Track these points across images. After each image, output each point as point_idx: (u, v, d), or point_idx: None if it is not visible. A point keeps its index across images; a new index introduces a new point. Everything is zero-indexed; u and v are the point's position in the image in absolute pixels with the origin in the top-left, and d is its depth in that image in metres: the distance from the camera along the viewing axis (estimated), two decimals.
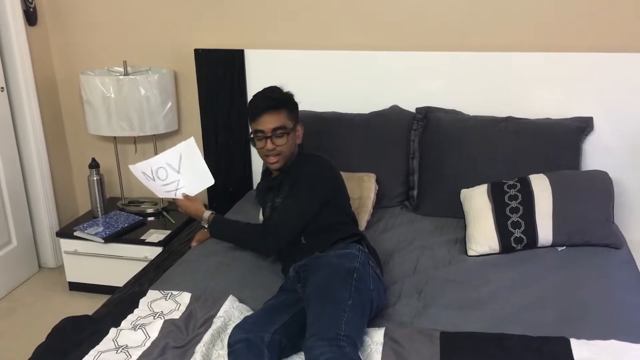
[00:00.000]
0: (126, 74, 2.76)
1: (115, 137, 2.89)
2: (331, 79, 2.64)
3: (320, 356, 1.50)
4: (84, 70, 2.81)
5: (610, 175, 2.26)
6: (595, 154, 2.43)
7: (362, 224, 2.36)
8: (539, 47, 2.44)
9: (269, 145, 1.97)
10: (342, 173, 2.17)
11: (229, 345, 1.61)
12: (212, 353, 1.63)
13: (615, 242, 2.13)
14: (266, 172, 2.21)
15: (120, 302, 1.90)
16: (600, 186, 2.23)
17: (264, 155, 2.02)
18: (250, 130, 2.03)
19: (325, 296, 1.69)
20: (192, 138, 2.14)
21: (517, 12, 2.44)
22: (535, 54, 2.42)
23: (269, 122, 1.96)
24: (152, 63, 2.89)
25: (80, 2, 2.90)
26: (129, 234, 2.73)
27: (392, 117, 2.55)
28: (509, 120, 2.42)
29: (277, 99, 1.99)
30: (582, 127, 2.39)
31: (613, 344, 1.57)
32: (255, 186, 2.82)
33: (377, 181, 2.47)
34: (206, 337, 1.66)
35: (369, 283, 1.76)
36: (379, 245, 2.20)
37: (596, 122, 2.41)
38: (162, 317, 1.76)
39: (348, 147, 2.51)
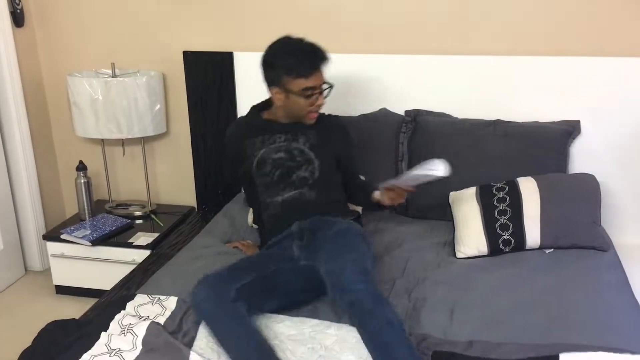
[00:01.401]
0: (114, 76, 2.74)
1: (102, 140, 2.87)
2: None
3: (359, 284, 1.60)
4: (71, 72, 2.79)
5: (597, 178, 2.28)
6: (582, 157, 2.44)
7: None
8: (527, 51, 2.45)
9: (321, 100, 2.02)
10: None
11: (193, 302, 1.66)
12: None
13: (602, 245, 2.14)
14: (252, 118, 2.19)
15: (108, 306, 1.89)
16: (588, 189, 2.24)
17: (307, 112, 2.03)
18: (290, 85, 1.97)
19: (348, 245, 1.81)
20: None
21: (506, 16, 2.45)
22: (524, 57, 2.43)
23: (320, 77, 1.99)
24: (140, 65, 2.88)
25: (67, 3, 2.88)
26: (117, 237, 2.71)
27: (381, 120, 2.56)
28: (497, 123, 2.44)
29: (326, 56, 2.00)
30: (570, 130, 2.41)
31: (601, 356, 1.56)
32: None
33: None
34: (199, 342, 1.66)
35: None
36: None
37: (583, 126, 2.43)
38: (148, 320, 1.75)
39: None
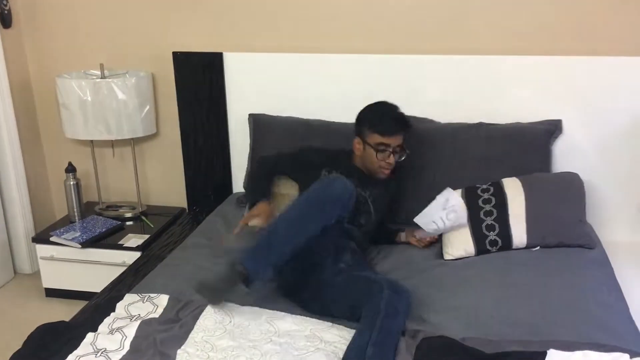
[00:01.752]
0: (103, 77, 2.73)
1: (92, 141, 2.86)
2: (312, 82, 2.64)
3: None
4: (60, 74, 2.78)
5: (581, 176, 2.30)
6: (565, 156, 2.47)
7: None
8: (508, 51, 2.47)
9: (391, 159, 2.19)
10: None
11: None
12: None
13: (589, 243, 2.16)
14: (339, 154, 2.31)
15: (98, 308, 1.89)
16: (572, 188, 2.26)
17: (378, 166, 2.20)
18: (368, 139, 2.18)
19: None
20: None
21: (486, 16, 2.47)
22: (505, 57, 2.45)
23: (397, 140, 2.19)
24: (129, 66, 2.87)
25: (56, 4, 2.87)
26: (107, 239, 2.70)
27: None
28: (480, 126, 2.45)
29: (408, 123, 2.22)
30: (552, 130, 2.43)
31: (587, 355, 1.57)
32: (234, 190, 2.82)
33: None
34: (193, 339, 1.66)
35: None
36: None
37: (565, 125, 2.45)
38: (139, 319, 1.75)
39: None
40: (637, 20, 2.36)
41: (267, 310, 1.83)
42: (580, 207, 2.23)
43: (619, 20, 2.37)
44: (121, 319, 1.77)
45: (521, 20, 2.45)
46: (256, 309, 1.83)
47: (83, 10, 2.85)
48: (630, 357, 1.54)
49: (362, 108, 2.26)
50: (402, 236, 2.33)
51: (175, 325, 1.74)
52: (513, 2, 2.43)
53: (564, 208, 2.20)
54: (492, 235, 2.14)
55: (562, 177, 2.33)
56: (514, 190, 2.20)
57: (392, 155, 2.19)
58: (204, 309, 1.80)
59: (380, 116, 2.21)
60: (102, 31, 2.86)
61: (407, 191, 2.44)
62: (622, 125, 2.41)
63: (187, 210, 2.97)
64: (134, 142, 2.88)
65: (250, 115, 2.69)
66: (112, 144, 2.95)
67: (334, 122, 2.59)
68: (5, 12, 2.81)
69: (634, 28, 2.37)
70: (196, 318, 1.76)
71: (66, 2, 2.85)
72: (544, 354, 1.56)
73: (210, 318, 1.77)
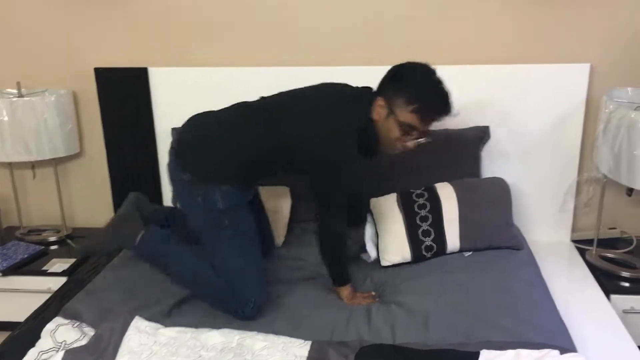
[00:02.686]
0: (20, 95, 2.61)
1: (10, 163, 2.72)
2: (240, 96, 2.61)
3: None
4: None
5: (508, 180, 2.39)
6: (493, 161, 2.55)
7: (280, 239, 2.37)
8: (438, 61, 2.52)
9: (413, 145, 1.89)
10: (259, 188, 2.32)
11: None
12: None
13: (516, 244, 2.24)
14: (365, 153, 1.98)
15: (21, 338, 1.79)
16: (499, 192, 2.34)
17: (394, 145, 1.90)
18: (399, 112, 1.85)
19: None
20: None
21: (414, 27, 2.53)
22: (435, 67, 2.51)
23: (428, 125, 1.90)
24: (49, 84, 2.76)
25: None
26: (30, 265, 2.57)
27: None
28: None
29: (452, 111, 1.91)
30: (480, 136, 2.51)
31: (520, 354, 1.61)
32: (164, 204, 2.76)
33: (292, 195, 2.46)
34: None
35: None
36: (298, 261, 2.23)
37: (492, 131, 2.53)
38: (65, 348, 1.67)
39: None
40: (554, 29, 2.47)
41: (191, 328, 1.77)
42: (507, 210, 2.31)
43: (536, 30, 2.48)
44: (45, 351, 1.68)
45: (446, 32, 2.52)
46: (179, 328, 1.77)
47: None
48: (560, 353, 1.59)
49: (402, 62, 1.92)
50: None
51: (102, 351, 1.66)
52: (440, 15, 2.50)
53: (492, 212, 2.26)
54: (427, 241, 2.18)
55: (490, 182, 2.41)
56: (447, 195, 2.26)
57: (414, 141, 1.89)
58: (126, 329, 1.73)
59: (430, 94, 1.86)
60: (18, 48, 2.74)
61: None
62: (541, 130, 2.51)
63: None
64: (56, 162, 2.76)
65: (173, 129, 2.64)
66: (33, 165, 2.82)
67: None
68: None
69: (554, 38, 2.48)
70: (119, 342, 1.69)
71: None
72: (477, 354, 1.60)
73: (134, 339, 1.70)
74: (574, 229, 2.64)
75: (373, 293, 2.04)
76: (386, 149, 1.94)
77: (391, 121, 1.86)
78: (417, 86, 1.87)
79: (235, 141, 1.97)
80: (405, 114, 1.84)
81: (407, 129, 1.86)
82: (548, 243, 2.53)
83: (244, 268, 1.95)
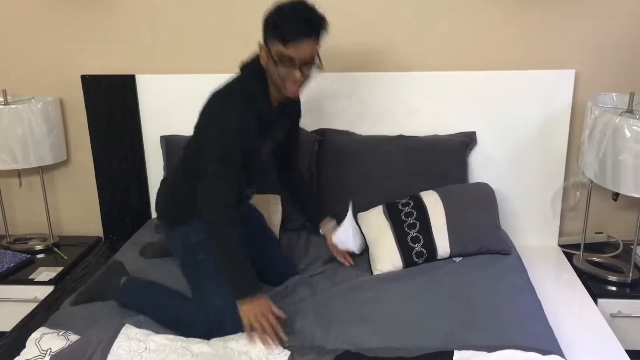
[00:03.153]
0: (6, 103, 2.59)
1: None
2: None
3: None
4: None
5: (495, 185, 2.40)
6: (480, 166, 2.57)
7: None
8: (424, 67, 2.55)
9: (299, 75, 1.77)
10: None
11: None
12: None
13: (505, 248, 2.25)
14: (260, 105, 1.88)
15: (7, 348, 1.76)
16: (484, 197, 2.35)
17: (282, 81, 1.80)
18: (271, 46, 1.77)
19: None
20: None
21: (402, 34, 2.54)
22: (421, 73, 2.53)
23: (304, 51, 1.74)
24: (35, 91, 2.74)
25: None
26: (16, 274, 2.54)
27: None
28: (400, 138, 2.51)
29: (318, 25, 1.76)
30: (467, 141, 2.52)
31: (499, 355, 1.61)
32: (153, 216, 2.73)
33: (282, 203, 2.46)
34: None
35: None
36: None
37: (479, 136, 2.55)
38: (49, 355, 1.65)
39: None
40: (539, 35, 2.50)
41: (182, 337, 1.75)
42: (494, 215, 2.32)
43: (523, 36, 2.51)
44: (32, 358, 1.66)
45: (433, 38, 2.54)
46: (171, 336, 1.76)
47: None
48: (542, 355, 1.60)
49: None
50: (324, 229, 2.29)
51: (89, 357, 1.64)
52: (426, 20, 2.52)
53: (479, 216, 2.27)
54: (417, 247, 2.19)
55: (474, 187, 2.43)
56: (432, 202, 2.26)
57: (297, 71, 1.77)
58: (116, 336, 1.72)
59: (286, 17, 1.75)
60: (5, 55, 2.72)
61: (328, 204, 2.46)
62: (527, 136, 2.53)
63: (103, 239, 2.85)
64: (42, 170, 2.74)
65: (162, 137, 2.63)
66: (19, 173, 2.79)
67: None
68: None
69: (538, 43, 2.51)
70: (108, 349, 1.66)
71: None
72: (451, 353, 1.60)
73: (123, 346, 1.68)
74: (561, 234, 2.66)
75: (284, 316, 1.75)
76: (282, 91, 1.84)
77: (271, 60, 1.79)
78: (278, 15, 1.77)
79: (175, 176, 2.11)
80: (274, 47, 1.76)
81: (283, 61, 1.76)
82: (536, 248, 2.55)
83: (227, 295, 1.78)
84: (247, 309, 1.72)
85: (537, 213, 2.61)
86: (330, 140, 2.54)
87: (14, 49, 2.71)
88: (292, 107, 2.11)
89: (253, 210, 2.26)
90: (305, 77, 1.82)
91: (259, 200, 2.38)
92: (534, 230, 2.62)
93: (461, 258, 2.21)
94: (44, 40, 2.69)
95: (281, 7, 1.77)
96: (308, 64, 1.79)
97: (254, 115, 1.85)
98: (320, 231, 2.31)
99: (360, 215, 2.38)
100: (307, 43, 1.75)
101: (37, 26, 2.67)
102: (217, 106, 1.87)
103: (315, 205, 2.37)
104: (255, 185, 2.13)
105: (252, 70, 1.89)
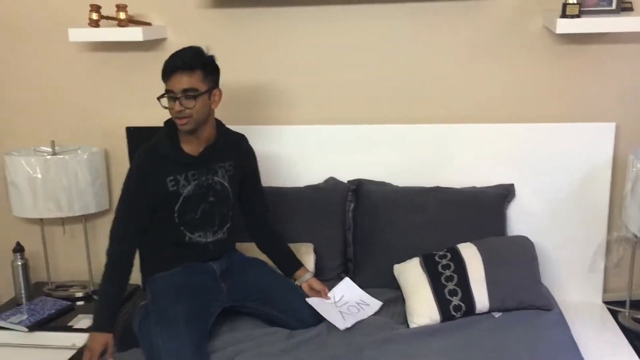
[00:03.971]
0: (54, 153, 2.70)
1: (41, 219, 2.78)
2: (264, 153, 2.66)
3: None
4: (8, 151, 2.72)
5: (535, 238, 2.36)
6: (519, 220, 2.53)
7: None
8: (461, 119, 2.56)
9: (177, 106, 1.95)
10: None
11: None
12: None
13: (546, 304, 2.20)
14: (171, 148, 2.07)
15: None
16: (523, 250, 2.32)
17: (173, 117, 2.01)
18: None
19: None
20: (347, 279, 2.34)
21: (441, 87, 2.57)
22: (459, 125, 2.54)
23: (179, 82, 1.95)
24: (81, 142, 2.84)
25: (6, 80, 2.84)
26: (56, 321, 2.58)
27: (328, 189, 2.58)
28: (437, 190, 2.51)
29: (190, 59, 1.96)
30: (505, 194, 2.49)
31: None
32: None
33: (315, 252, 2.45)
34: None
35: None
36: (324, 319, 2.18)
37: (517, 189, 2.52)
38: None
39: (286, 220, 2.48)
40: (579, 89, 2.49)
41: None
42: (534, 269, 2.27)
43: (561, 89, 2.51)
44: None
45: (473, 91, 2.56)
46: None
47: (34, 86, 2.83)
48: None
49: None
50: (300, 280, 2.27)
51: None
52: (464, 74, 2.55)
53: (519, 270, 2.23)
54: (455, 300, 2.15)
55: (514, 240, 2.39)
56: (470, 254, 2.23)
57: (177, 102, 1.95)
58: None
59: (166, 60, 2.00)
60: (53, 107, 2.84)
61: (364, 255, 2.45)
62: (568, 188, 2.49)
63: (141, 287, 2.88)
64: (85, 218, 2.82)
65: None
66: (63, 221, 2.87)
67: (282, 187, 2.59)
68: None
69: (576, 96, 2.50)
70: None
71: (17, 79, 2.84)
72: None
73: None
74: (605, 290, 2.58)
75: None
76: (175, 123, 2.03)
77: (161, 102, 2.01)
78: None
79: None
80: (165, 86, 2.00)
81: (168, 97, 1.99)
82: (579, 304, 2.47)
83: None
84: (88, 340, 2.00)
85: (579, 268, 2.54)
86: (365, 191, 2.54)
87: (63, 102, 2.84)
88: (235, 154, 2.18)
89: (241, 258, 2.27)
90: (186, 108, 1.97)
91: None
92: (576, 285, 2.54)
93: (501, 313, 2.16)
94: (91, 94, 2.80)
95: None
96: (187, 97, 1.96)
97: (159, 159, 2.05)
98: (296, 282, 2.28)
99: (397, 267, 2.36)
100: (179, 75, 1.95)
101: (84, 81, 2.80)
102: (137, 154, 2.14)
103: (289, 258, 2.32)
104: (210, 232, 2.14)
105: (165, 124, 2.12)
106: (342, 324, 2.10)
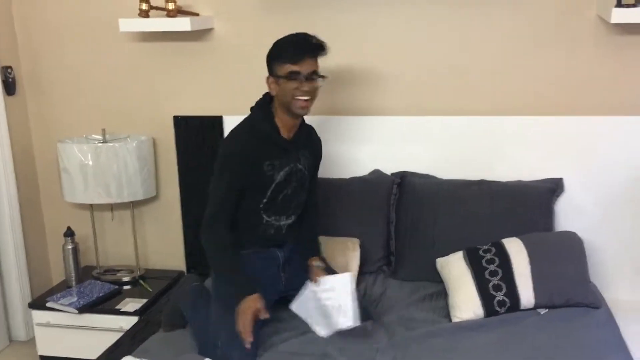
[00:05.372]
0: (104, 141, 2.76)
1: (91, 205, 2.86)
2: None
3: None
4: (62, 139, 2.81)
5: (584, 235, 2.30)
6: (567, 215, 2.47)
7: None
8: (509, 112, 2.52)
9: (306, 86, 1.99)
10: (325, 238, 2.34)
11: None
12: None
13: (594, 302, 2.14)
14: (271, 131, 2.08)
15: None
16: (572, 246, 2.26)
17: (292, 98, 2.00)
18: (279, 72, 2.01)
19: None
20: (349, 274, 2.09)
21: (489, 78, 2.53)
22: (506, 117, 2.50)
23: (309, 65, 2.00)
24: (131, 130, 2.91)
25: (59, 71, 2.93)
26: (104, 304, 2.66)
27: (373, 181, 2.57)
28: (482, 183, 2.47)
29: (322, 47, 2.03)
30: (553, 188, 2.44)
31: None
32: None
33: (361, 247, 2.45)
34: None
35: None
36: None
37: (566, 183, 2.46)
38: None
39: (330, 211, 2.49)
40: (632, 81, 2.42)
41: None
42: (582, 265, 2.22)
43: (616, 81, 2.43)
44: None
45: (522, 82, 2.50)
46: None
47: (85, 77, 2.91)
48: None
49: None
50: (313, 267, 2.16)
51: None
52: (513, 65, 2.50)
53: (567, 267, 2.18)
54: (499, 296, 2.12)
55: (561, 235, 2.34)
56: (515, 249, 2.19)
57: (305, 82, 2.00)
58: None
59: (286, 44, 2.04)
60: (104, 97, 2.92)
61: (406, 248, 2.44)
62: (622, 184, 2.42)
63: (185, 273, 2.94)
64: (133, 205, 2.88)
65: None
66: (112, 207, 2.95)
67: (328, 177, 2.57)
68: (10, 80, 2.87)
69: (631, 89, 2.42)
70: None
71: (69, 70, 2.92)
72: None
73: None
74: None
75: (266, 315, 1.94)
76: (293, 107, 2.03)
77: (278, 83, 2.02)
78: (277, 47, 2.05)
79: None
80: (279, 68, 2.01)
81: (289, 77, 1.99)
82: (628, 302, 2.39)
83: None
84: (241, 306, 1.94)
85: (629, 265, 2.47)
86: (409, 184, 2.53)
87: (113, 92, 2.90)
88: (311, 143, 2.22)
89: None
90: (312, 90, 2.02)
91: (337, 244, 2.39)
92: (625, 283, 2.47)
93: (546, 310, 2.12)
94: (141, 83, 2.86)
95: (281, 40, 2.05)
96: (313, 79, 2.02)
97: (258, 141, 2.06)
98: (307, 262, 2.19)
99: (440, 260, 2.34)
100: (309, 59, 2.00)
101: (134, 71, 2.86)
102: (224, 139, 2.20)
103: (314, 248, 2.27)
104: (284, 216, 2.15)
105: (258, 106, 2.13)
106: (321, 331, 2.00)
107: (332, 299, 2.00)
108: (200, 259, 2.82)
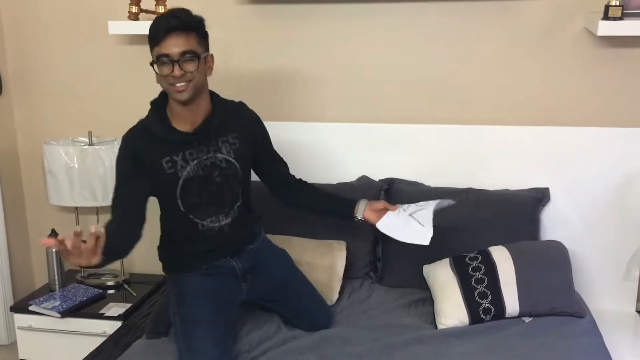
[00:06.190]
0: (91, 144, 2.75)
1: (76, 208, 2.84)
2: (299, 150, 2.67)
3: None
4: (47, 141, 2.78)
5: (569, 244, 2.32)
6: (553, 224, 2.49)
7: (334, 295, 2.34)
8: (497, 121, 2.54)
9: (177, 71, 1.77)
10: (312, 240, 2.34)
11: None
12: None
13: (579, 311, 2.16)
14: (162, 126, 1.91)
15: None
16: (557, 255, 2.28)
17: (168, 84, 1.81)
18: (153, 57, 1.83)
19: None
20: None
21: (477, 87, 2.55)
22: (494, 127, 2.51)
23: (176, 44, 1.77)
24: (117, 134, 2.86)
25: (46, 72, 2.91)
26: (87, 308, 2.63)
27: (361, 187, 2.57)
28: (469, 191, 2.48)
29: (186, 20, 1.79)
30: (539, 197, 2.46)
31: None
32: None
33: (347, 249, 2.45)
34: None
35: None
36: (351, 317, 2.19)
37: (552, 193, 2.48)
38: None
39: (317, 216, 2.45)
40: (617, 93, 2.45)
41: None
42: (567, 275, 2.23)
43: (600, 93, 2.46)
44: None
45: (510, 92, 2.53)
46: None
47: (73, 78, 2.89)
48: None
49: None
50: (360, 211, 2.10)
51: None
52: (500, 75, 2.52)
53: (552, 276, 2.20)
54: (485, 303, 2.13)
55: (547, 244, 2.35)
56: (501, 257, 2.21)
57: (176, 66, 1.77)
58: None
59: (152, 26, 1.82)
60: (91, 99, 2.90)
61: (392, 254, 2.44)
62: (603, 195, 2.44)
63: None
64: None
65: None
66: (97, 210, 2.93)
67: (315, 183, 2.56)
68: None
69: (617, 100, 2.45)
70: None
71: (56, 71, 2.90)
72: None
73: None
74: (639, 298, 2.52)
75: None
76: (172, 95, 1.85)
77: (156, 70, 1.84)
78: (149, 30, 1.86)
79: None
80: (153, 54, 1.83)
81: (161, 63, 1.80)
82: (611, 312, 2.42)
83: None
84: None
85: (613, 276, 2.49)
86: (397, 190, 2.53)
87: (101, 94, 2.89)
88: (239, 124, 1.99)
89: (269, 252, 2.16)
90: (187, 73, 1.80)
91: (323, 246, 2.38)
92: (609, 293, 2.49)
93: (531, 318, 2.13)
94: (128, 86, 2.85)
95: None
96: (186, 60, 1.79)
97: (151, 139, 1.90)
98: (358, 218, 2.12)
99: (426, 267, 2.35)
100: (175, 37, 1.78)
101: (122, 73, 2.84)
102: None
103: (336, 200, 2.19)
104: (221, 215, 1.98)
105: (152, 101, 1.98)
106: (422, 238, 2.00)
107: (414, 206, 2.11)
108: None
